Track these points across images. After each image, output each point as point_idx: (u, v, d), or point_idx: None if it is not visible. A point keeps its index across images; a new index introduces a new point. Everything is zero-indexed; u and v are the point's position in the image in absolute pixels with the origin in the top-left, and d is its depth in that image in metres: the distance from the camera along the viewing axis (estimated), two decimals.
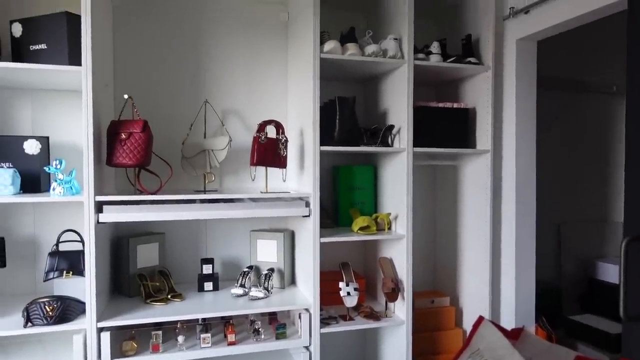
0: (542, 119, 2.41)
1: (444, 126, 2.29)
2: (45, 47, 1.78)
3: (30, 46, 1.80)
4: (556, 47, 3.13)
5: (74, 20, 1.77)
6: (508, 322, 2.36)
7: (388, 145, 2.21)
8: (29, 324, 1.73)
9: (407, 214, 2.15)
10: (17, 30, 1.81)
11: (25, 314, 1.73)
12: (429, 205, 2.75)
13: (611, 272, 3.14)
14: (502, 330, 0.77)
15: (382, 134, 2.17)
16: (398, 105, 2.20)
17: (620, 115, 3.40)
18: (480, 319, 0.79)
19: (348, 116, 2.11)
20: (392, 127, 2.20)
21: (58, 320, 1.76)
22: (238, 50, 2.38)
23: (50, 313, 1.75)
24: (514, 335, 0.80)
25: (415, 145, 2.15)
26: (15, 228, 2.09)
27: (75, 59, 1.74)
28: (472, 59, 2.29)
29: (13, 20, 1.82)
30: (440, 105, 2.31)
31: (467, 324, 2.49)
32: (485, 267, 2.33)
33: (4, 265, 1.92)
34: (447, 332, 2.48)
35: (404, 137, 2.14)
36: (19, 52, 1.80)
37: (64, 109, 2.12)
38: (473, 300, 2.44)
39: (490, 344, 0.77)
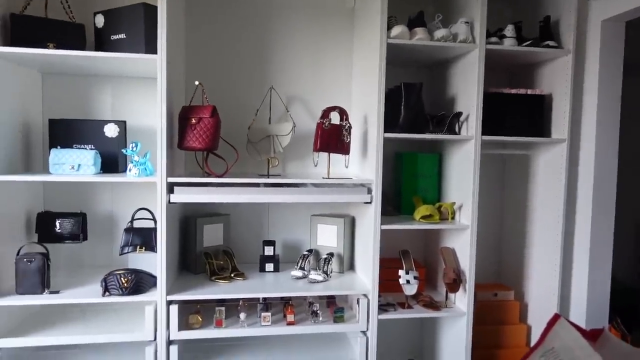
0: (626, 107, 2.21)
1: (517, 114, 2.17)
2: (125, 36, 1.87)
3: (111, 36, 1.90)
4: None
5: (150, 11, 1.84)
6: (578, 321, 2.23)
7: (455, 133, 2.13)
8: (107, 293, 1.88)
9: (472, 204, 2.08)
10: (100, 21, 1.92)
11: (104, 284, 1.88)
12: (496, 196, 2.64)
13: None
14: (580, 330, 0.73)
15: (449, 121, 2.09)
16: (467, 91, 2.11)
17: None
18: (556, 316, 0.75)
19: (414, 103, 2.05)
20: (459, 114, 2.12)
21: (132, 291, 1.89)
22: (304, 37, 2.38)
23: (125, 284, 1.88)
24: (593, 337, 0.75)
25: (484, 133, 2.06)
26: (95, 205, 2.26)
27: (151, 48, 1.82)
28: (551, 42, 2.14)
29: (97, 12, 1.93)
30: (513, 91, 2.19)
31: (533, 320, 2.39)
32: (556, 263, 2.21)
33: (86, 239, 2.08)
34: (511, 326, 2.39)
35: (472, 124, 2.06)
36: (101, 41, 1.92)
37: (140, 95, 2.24)
38: (540, 296, 2.33)
39: (567, 344, 0.73)
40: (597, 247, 2.18)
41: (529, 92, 2.21)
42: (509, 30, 2.13)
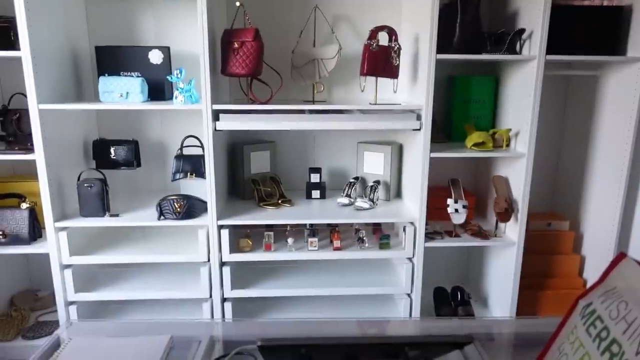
0: None
1: (588, 30, 1.94)
2: None
3: None
4: None
5: None
6: (638, 257, 2.13)
7: (515, 53, 1.96)
8: (162, 217, 1.96)
9: (530, 131, 1.95)
10: None
11: (159, 208, 1.96)
12: (555, 121, 2.46)
13: None
14: None
15: (509, 39, 1.91)
16: (532, 4, 1.89)
17: None
18: (622, 255, 0.70)
19: (471, 20, 1.88)
20: (522, 31, 1.93)
21: (185, 216, 1.97)
22: None
23: (179, 209, 1.95)
24: None
25: (548, 52, 1.87)
26: (145, 132, 2.31)
27: None
28: None
29: None
30: (587, 3, 1.95)
31: (587, 252, 2.31)
32: (618, 194, 2.06)
33: (139, 165, 2.16)
34: (563, 256, 2.32)
35: (535, 43, 1.87)
36: None
37: (181, 18, 2.19)
38: (597, 228, 2.22)
39: (632, 285, 0.68)
40: None
41: (605, 3, 1.96)
42: None
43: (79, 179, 1.97)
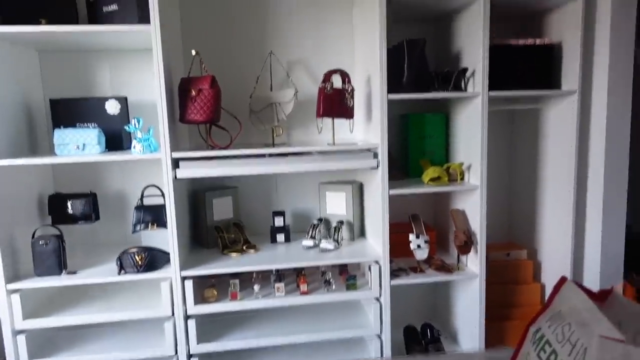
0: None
1: (525, 66, 2.10)
2: (117, 7, 1.83)
3: (103, 8, 1.85)
4: None
5: None
6: (592, 277, 2.22)
7: (461, 90, 2.08)
8: (122, 271, 1.90)
9: (481, 164, 2.04)
10: None
11: (119, 262, 1.90)
12: (505, 153, 2.59)
13: None
14: (588, 292, 0.72)
15: (454, 78, 2.03)
16: (472, 45, 2.03)
17: None
18: (563, 279, 0.73)
19: (417, 60, 1.99)
20: (465, 70, 2.06)
21: (147, 268, 1.91)
22: (302, 1, 2.31)
23: (140, 262, 1.90)
24: (601, 298, 0.74)
25: (491, 88, 1.99)
26: (104, 184, 2.27)
27: (144, 18, 1.77)
28: None
29: None
30: (521, 42, 2.10)
31: (546, 279, 2.38)
32: (568, 219, 2.17)
33: (98, 218, 2.10)
34: (524, 286, 2.38)
35: (478, 80, 1.99)
36: (94, 14, 1.87)
37: (138, 68, 2.21)
38: (553, 254, 2.31)
39: (574, 306, 0.71)
40: (611, 200, 2.14)
41: (538, 42, 2.12)
42: None
43: (33, 236, 1.90)
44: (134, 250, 1.91)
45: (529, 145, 2.44)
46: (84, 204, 2.02)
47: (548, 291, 2.36)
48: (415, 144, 2.31)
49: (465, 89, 2.09)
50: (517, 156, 2.56)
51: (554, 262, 2.31)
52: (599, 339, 0.62)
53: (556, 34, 2.19)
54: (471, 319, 2.18)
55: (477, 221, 2.09)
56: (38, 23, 1.73)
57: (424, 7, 2.10)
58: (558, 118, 2.22)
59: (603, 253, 2.17)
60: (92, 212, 2.04)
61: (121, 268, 1.89)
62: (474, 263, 2.14)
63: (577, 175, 2.14)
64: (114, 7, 1.84)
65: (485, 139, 2.02)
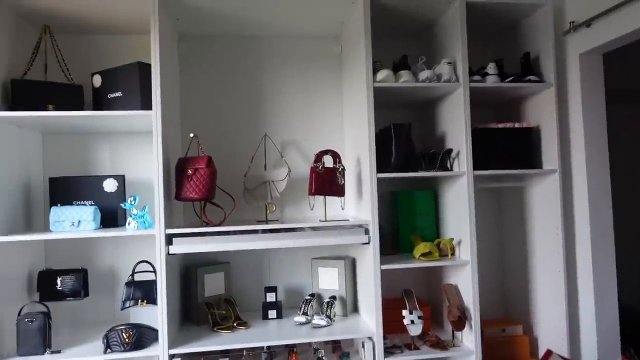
0: (612, 133, 2.25)
1: (506, 147, 2.22)
2: (121, 94, 1.95)
3: (108, 95, 1.98)
4: (624, 57, 2.95)
5: (145, 69, 1.93)
6: (590, 353, 2.18)
7: (447, 170, 2.17)
8: (109, 350, 1.85)
9: (470, 239, 2.08)
10: (97, 81, 2.01)
11: (105, 340, 1.86)
12: (495, 230, 2.64)
13: None
14: None
15: (440, 158, 2.14)
16: (455, 128, 2.17)
17: None
18: (549, 353, 0.74)
19: (404, 142, 2.11)
20: (450, 150, 2.17)
21: (134, 346, 1.87)
22: (295, 84, 2.48)
23: (127, 340, 1.86)
24: None
25: (475, 168, 2.10)
26: (96, 260, 2.27)
27: (146, 104, 1.89)
28: (532, 77, 2.22)
29: (94, 73, 2.03)
30: (500, 126, 2.25)
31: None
32: (561, 294, 2.18)
33: (87, 295, 2.08)
34: None
35: (463, 160, 2.10)
36: (99, 100, 2.00)
37: (137, 149, 2.31)
38: (549, 330, 2.29)
39: None
40: (601, 274, 2.16)
41: (517, 125, 2.26)
42: (491, 68, 2.21)
43: (19, 314, 1.87)
44: (122, 327, 1.88)
45: (517, 222, 2.50)
46: (73, 280, 2.01)
47: None
48: (406, 221, 2.36)
49: (451, 169, 2.19)
50: (506, 232, 2.62)
51: (550, 337, 2.28)
52: None
53: (533, 118, 2.34)
54: None
55: (470, 296, 2.09)
56: (46, 109, 1.84)
57: (408, 96, 2.27)
58: (542, 195, 2.31)
59: (598, 327, 2.16)
60: (81, 288, 2.02)
61: (107, 346, 1.85)
62: (469, 339, 2.11)
63: (565, 251, 2.18)
64: (118, 93, 1.96)
65: (473, 215, 2.08)
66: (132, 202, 1.93)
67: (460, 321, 2.10)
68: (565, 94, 2.26)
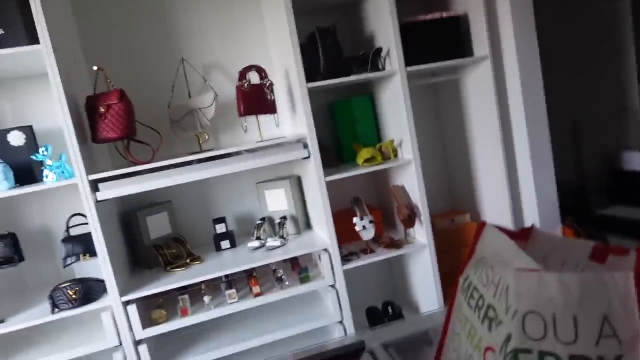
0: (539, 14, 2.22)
1: (436, 40, 2.14)
2: (2, 32, 1.69)
3: None
4: None
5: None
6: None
7: (378, 70, 2.09)
8: (56, 309, 1.77)
9: (410, 137, 2.07)
10: None
11: (51, 300, 1.77)
12: (435, 126, 2.64)
13: (637, 160, 3.03)
14: (509, 233, 0.73)
15: (370, 58, 2.04)
16: (383, 26, 2.05)
17: None
18: (482, 224, 0.73)
19: (331, 47, 1.99)
20: (379, 49, 2.07)
21: (83, 301, 1.79)
22: (208, 1, 2.24)
23: (74, 296, 1.78)
24: (523, 237, 0.75)
25: (408, 64, 2.02)
26: (23, 221, 2.11)
27: (34, 39, 1.65)
28: None
29: None
30: (429, 17, 2.15)
31: None
32: (502, 177, 2.25)
33: (22, 259, 1.94)
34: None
35: (394, 58, 2.02)
36: None
37: (42, 95, 2.07)
38: (494, 213, 2.39)
39: (496, 249, 0.72)
40: (537, 152, 2.23)
41: (445, 15, 2.17)
42: None
43: None
44: (66, 284, 1.78)
45: (455, 115, 2.50)
46: (3, 246, 1.86)
47: None
48: (346, 130, 2.31)
49: (383, 68, 2.11)
50: (445, 127, 2.62)
51: (496, 220, 2.39)
52: (514, 272, 0.62)
53: (461, 5, 2.25)
54: (428, 286, 2.20)
55: (416, 193, 2.12)
56: None
57: None
58: (476, 85, 2.29)
59: (539, 201, 2.27)
60: (14, 254, 1.88)
61: (54, 306, 1.76)
62: (421, 234, 2.17)
63: (503, 135, 2.21)
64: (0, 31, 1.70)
65: (410, 114, 2.05)
66: (45, 153, 1.75)
67: (410, 219, 2.14)
68: None
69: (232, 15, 2.28)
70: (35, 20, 1.62)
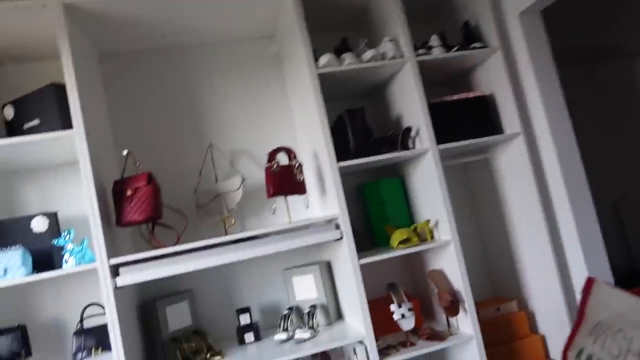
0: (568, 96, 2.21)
1: (464, 119, 2.11)
2: (39, 121, 1.73)
3: (24, 125, 1.75)
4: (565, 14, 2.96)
5: (61, 90, 1.72)
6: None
7: (409, 149, 2.05)
8: None
9: (447, 217, 1.95)
10: (9, 113, 1.77)
11: None
12: (467, 208, 2.53)
13: None
14: (621, 290, 0.59)
15: (400, 138, 2.01)
16: (411, 107, 2.06)
17: None
18: (590, 280, 0.60)
19: (360, 127, 1.97)
20: (409, 128, 2.05)
21: None
22: (235, 89, 2.31)
23: None
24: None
25: (438, 143, 1.98)
26: (35, 313, 1.98)
27: (67, 125, 1.67)
28: (477, 44, 2.16)
29: (4, 104, 1.79)
30: (455, 97, 2.15)
31: (544, 328, 2.21)
32: (549, 260, 2.07)
33: (30, 354, 1.78)
34: (524, 340, 2.18)
35: (424, 136, 1.98)
36: (14, 133, 1.75)
37: (69, 182, 2.07)
38: (544, 300, 2.16)
39: (616, 310, 0.58)
40: (585, 233, 2.07)
41: (471, 95, 2.18)
42: (435, 40, 2.14)
43: None
44: None
45: (489, 195, 2.40)
46: (10, 341, 1.72)
47: (549, 342, 2.19)
48: (377, 212, 2.21)
49: (414, 147, 2.06)
50: (480, 208, 2.51)
51: (547, 307, 2.16)
52: None
53: (486, 85, 2.27)
54: None
55: (458, 277, 1.95)
56: None
57: (356, 80, 2.14)
58: (509, 162, 2.22)
59: None
60: (21, 349, 1.73)
61: None
62: (465, 324, 1.95)
63: (545, 216, 2.08)
64: (35, 121, 1.74)
65: (445, 191, 1.96)
66: (67, 237, 1.68)
67: (454, 305, 1.94)
68: (513, 56, 2.20)
69: (258, 102, 2.33)
70: (70, 105, 1.65)
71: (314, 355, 2.00)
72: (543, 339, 2.21)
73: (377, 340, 1.84)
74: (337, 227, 1.88)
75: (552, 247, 2.07)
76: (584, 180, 2.10)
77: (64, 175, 2.07)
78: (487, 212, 2.46)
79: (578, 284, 2.10)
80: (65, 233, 1.68)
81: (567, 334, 2.02)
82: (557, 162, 2.08)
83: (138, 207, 1.68)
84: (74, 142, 1.67)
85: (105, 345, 1.71)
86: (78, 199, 2.05)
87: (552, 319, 2.14)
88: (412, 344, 1.92)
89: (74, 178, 2.07)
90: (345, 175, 2.03)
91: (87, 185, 1.64)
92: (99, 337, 1.73)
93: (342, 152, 1.93)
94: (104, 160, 1.87)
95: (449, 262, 1.99)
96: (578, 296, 2.10)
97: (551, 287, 2.09)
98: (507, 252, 2.34)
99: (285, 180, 1.86)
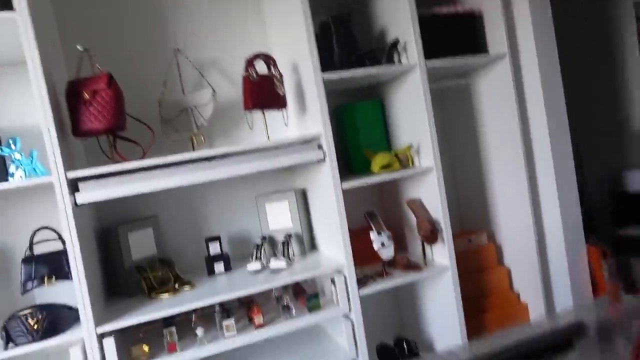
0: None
1: (453, 36, 1.98)
2: None
3: None
4: None
5: None
6: (557, 249, 2.11)
7: (394, 64, 1.90)
8: (10, 344, 1.39)
9: (432, 142, 1.86)
10: None
11: (4, 333, 1.39)
12: (439, 136, 2.44)
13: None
14: None
15: (387, 51, 1.86)
16: (398, 18, 1.88)
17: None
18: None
19: (345, 37, 1.80)
20: (397, 41, 1.89)
21: (47, 333, 1.42)
22: None
23: (35, 327, 1.41)
24: None
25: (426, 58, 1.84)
26: None
27: (7, 6, 1.38)
28: None
29: None
30: (444, 11, 2.00)
31: (510, 261, 2.24)
32: (524, 194, 2.05)
33: None
34: (490, 271, 2.22)
35: (412, 51, 1.83)
36: None
37: (8, 86, 1.76)
38: (514, 234, 2.18)
39: None
40: (561, 168, 2.07)
41: (460, 10, 2.04)
42: None
43: None
44: (26, 312, 1.42)
45: (464, 124, 2.33)
46: None
47: (514, 275, 2.23)
48: (354, 137, 2.08)
49: (400, 62, 1.91)
50: (453, 138, 2.44)
51: (515, 242, 2.18)
52: None
53: (475, 2, 2.13)
54: (448, 317, 1.93)
55: (437, 206, 1.89)
56: None
57: None
58: (491, 89, 2.14)
59: (564, 223, 2.08)
60: None
61: (8, 340, 1.38)
62: (441, 254, 1.92)
63: (524, 147, 2.05)
64: None
65: (431, 113, 1.85)
66: (13, 147, 1.43)
67: (433, 234, 1.90)
68: None
69: (230, 10, 2.07)
70: None
71: (285, 287, 1.91)
72: (509, 271, 2.25)
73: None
74: (320, 147, 1.74)
75: (528, 180, 2.05)
76: (564, 115, 2.07)
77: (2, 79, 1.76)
78: (460, 142, 2.39)
79: (548, 219, 2.13)
80: (10, 141, 1.42)
81: (534, 268, 2.06)
82: (540, 89, 2.03)
83: (98, 114, 1.44)
84: (17, 29, 1.37)
85: (60, 274, 1.51)
86: (19, 107, 1.75)
87: (518, 254, 2.17)
88: (388, 274, 1.87)
89: (14, 83, 1.76)
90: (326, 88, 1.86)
91: (37, 84, 1.37)
92: (51, 265, 1.52)
93: (325, 62, 1.73)
94: (51, 56, 1.58)
95: (429, 191, 1.93)
96: (548, 234, 2.13)
97: (522, 220, 2.10)
98: (479, 183, 2.32)
99: (265, 91, 1.68)
